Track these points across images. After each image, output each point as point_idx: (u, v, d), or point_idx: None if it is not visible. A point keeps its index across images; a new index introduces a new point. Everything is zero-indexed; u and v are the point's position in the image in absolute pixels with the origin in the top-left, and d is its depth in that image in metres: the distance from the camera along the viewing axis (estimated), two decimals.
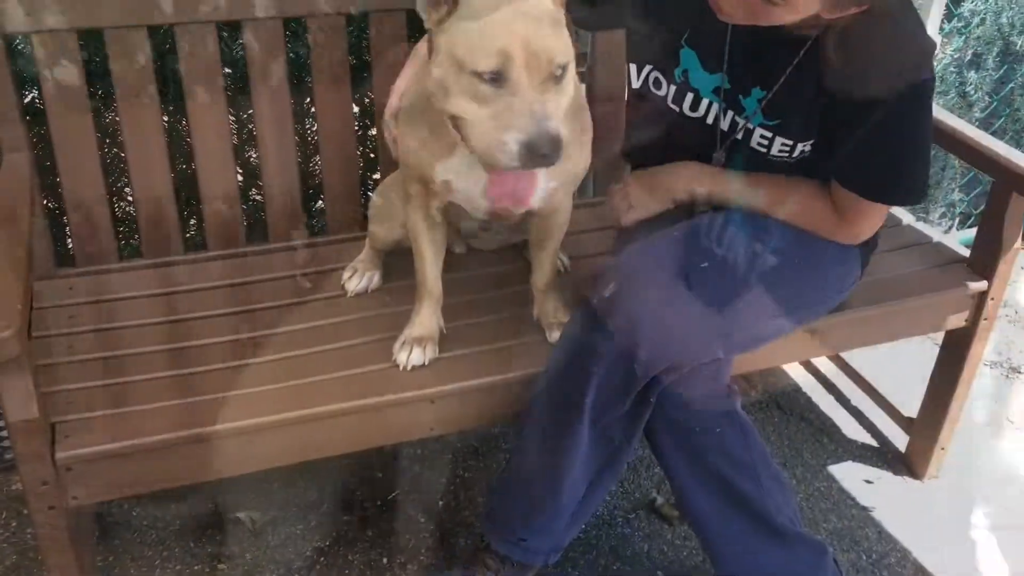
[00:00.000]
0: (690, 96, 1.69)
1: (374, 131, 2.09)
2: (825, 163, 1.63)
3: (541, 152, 1.27)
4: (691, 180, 1.72)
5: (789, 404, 2.45)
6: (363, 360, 1.67)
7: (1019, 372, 2.59)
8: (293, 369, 1.63)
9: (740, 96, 1.64)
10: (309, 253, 1.98)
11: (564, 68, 1.34)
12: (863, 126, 1.55)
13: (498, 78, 1.29)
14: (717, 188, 1.70)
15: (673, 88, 1.70)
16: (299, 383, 1.60)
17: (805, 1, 1.38)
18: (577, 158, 1.59)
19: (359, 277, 1.86)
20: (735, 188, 1.67)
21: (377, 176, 2.19)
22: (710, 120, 1.69)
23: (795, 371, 2.57)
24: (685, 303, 1.53)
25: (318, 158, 2.07)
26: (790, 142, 1.64)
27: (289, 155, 1.96)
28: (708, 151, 1.72)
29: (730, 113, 1.67)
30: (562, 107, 1.36)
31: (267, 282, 1.88)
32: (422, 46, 1.55)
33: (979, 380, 2.51)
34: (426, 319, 1.70)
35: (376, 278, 1.87)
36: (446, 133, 1.45)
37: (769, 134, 1.64)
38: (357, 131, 2.19)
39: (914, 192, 1.65)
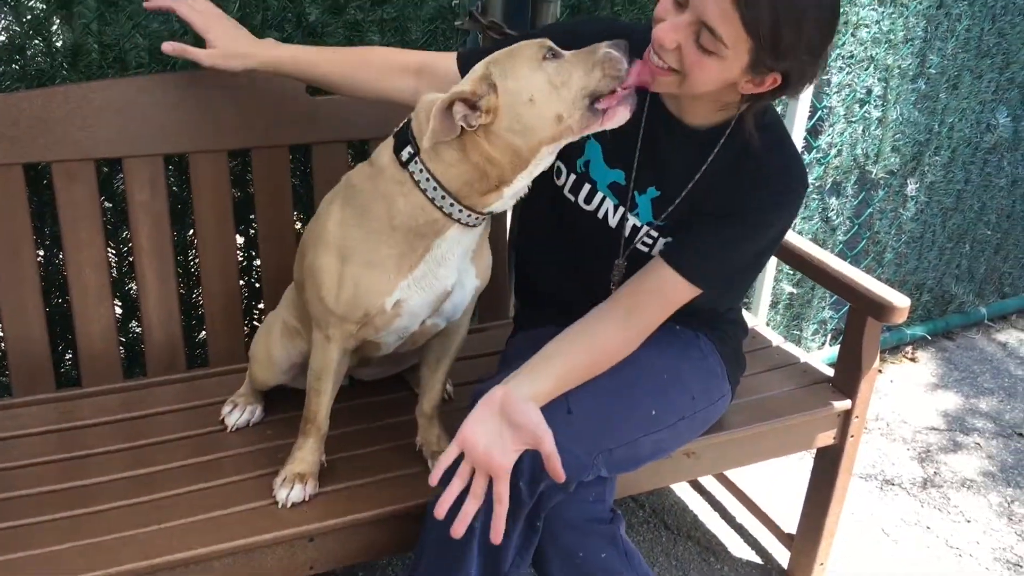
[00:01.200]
0: (587, 187, 1.74)
1: (258, 262, 2.10)
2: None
3: (622, 47, 1.45)
4: (520, 414, 1.52)
5: (676, 523, 2.48)
6: (239, 498, 1.64)
7: (892, 484, 2.69)
8: (164, 510, 1.59)
9: (636, 193, 1.70)
10: (189, 386, 1.96)
11: None
12: (727, 219, 1.61)
13: (552, 54, 1.46)
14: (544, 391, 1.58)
15: (573, 177, 1.76)
16: (168, 526, 1.56)
17: (734, 55, 1.44)
18: (488, 267, 1.67)
19: (239, 411, 1.84)
20: (557, 384, 1.59)
21: (261, 306, 2.19)
22: (601, 214, 1.74)
23: (682, 489, 2.61)
24: (566, 421, 1.56)
25: (200, 289, 2.06)
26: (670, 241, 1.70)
27: (169, 287, 1.95)
28: (604, 250, 1.76)
29: (621, 209, 1.72)
30: None
31: (143, 418, 1.85)
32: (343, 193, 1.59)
33: (854, 494, 2.61)
34: (309, 454, 1.68)
35: (258, 412, 1.86)
36: (407, 252, 1.52)
37: (655, 234, 1.71)
38: (241, 262, 2.20)
39: (731, 293, 1.72)
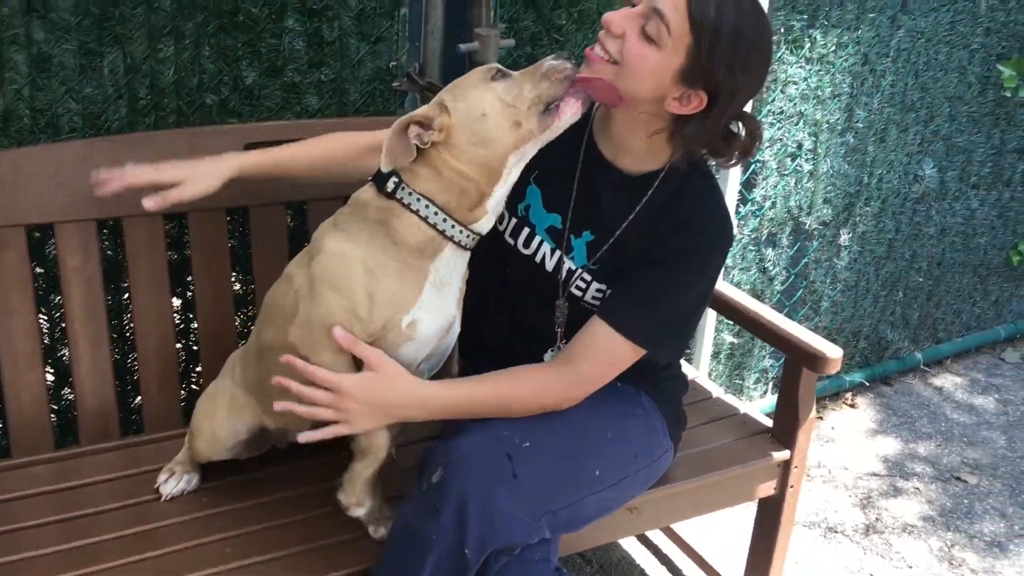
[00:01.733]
0: (526, 231, 1.77)
1: (196, 324, 2.07)
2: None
3: (564, 56, 1.56)
4: (411, 408, 1.62)
5: None
6: (176, 569, 1.60)
7: (835, 532, 2.72)
8: None
9: (572, 236, 1.74)
10: (124, 454, 1.92)
11: None
12: (654, 269, 1.66)
13: (500, 74, 1.56)
14: (415, 410, 1.64)
15: (513, 221, 1.78)
16: None
17: (673, 49, 1.52)
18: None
19: (176, 480, 1.80)
20: (436, 403, 1.64)
21: (199, 369, 2.16)
22: (538, 258, 1.77)
23: (628, 543, 2.61)
24: (512, 485, 1.56)
25: (135, 353, 2.03)
26: (604, 287, 1.73)
27: (103, 352, 1.92)
28: (543, 294, 1.78)
29: (558, 253, 1.75)
30: None
31: (76, 489, 1.80)
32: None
33: (799, 542, 2.63)
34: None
35: (194, 480, 1.82)
36: (413, 274, 1.57)
37: (588, 277, 1.74)
38: (178, 325, 2.17)
39: (673, 342, 1.75)
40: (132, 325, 1.99)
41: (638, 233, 1.71)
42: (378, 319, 1.56)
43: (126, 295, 2.05)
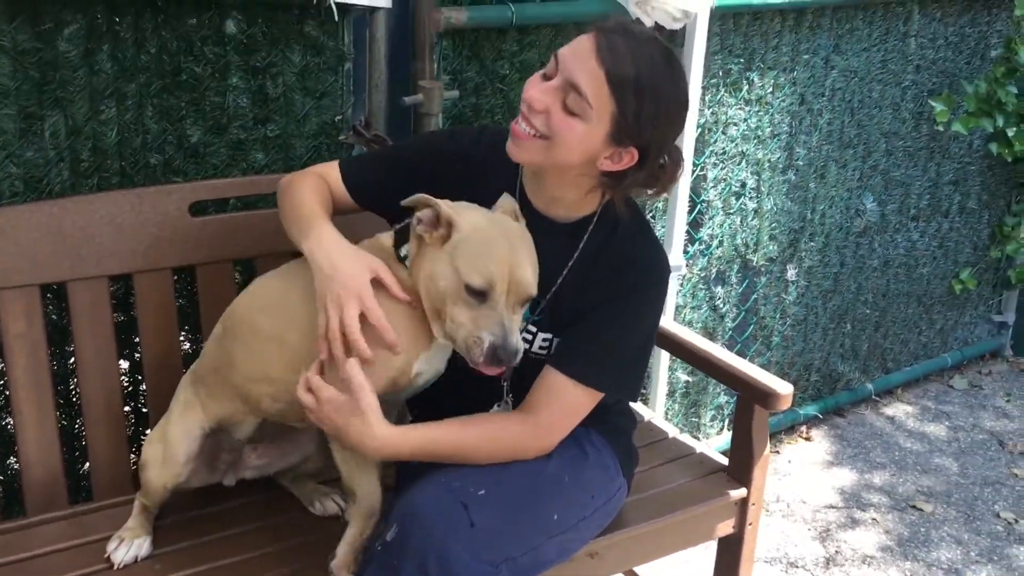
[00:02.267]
0: None
1: (144, 387, 2.04)
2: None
3: (500, 358, 1.52)
4: (375, 442, 1.60)
5: None
6: None
7: (796, 567, 2.73)
8: None
9: None
10: (73, 523, 1.87)
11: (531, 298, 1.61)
12: (597, 312, 1.69)
13: (484, 295, 1.54)
14: (404, 448, 1.63)
15: None
16: None
17: (598, 118, 1.55)
18: None
19: (126, 546, 1.76)
20: (421, 445, 1.64)
21: (148, 432, 2.12)
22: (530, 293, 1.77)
23: None
24: (469, 535, 1.55)
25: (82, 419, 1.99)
26: (550, 337, 1.75)
27: (48, 419, 1.88)
28: None
29: None
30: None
31: (23, 562, 1.75)
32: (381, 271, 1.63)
33: None
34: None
35: (145, 545, 1.78)
36: (423, 328, 1.62)
37: (534, 329, 1.75)
38: (127, 387, 2.14)
39: (626, 381, 1.75)
40: (78, 390, 1.96)
41: (578, 279, 1.73)
42: (395, 364, 1.62)
43: (72, 359, 2.01)
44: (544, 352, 1.76)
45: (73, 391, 2.06)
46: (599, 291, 1.70)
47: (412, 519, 1.56)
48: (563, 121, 1.57)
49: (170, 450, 1.76)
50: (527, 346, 1.76)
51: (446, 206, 1.57)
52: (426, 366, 1.67)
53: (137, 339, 2.05)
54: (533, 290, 1.59)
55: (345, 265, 1.59)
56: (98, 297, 1.90)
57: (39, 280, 1.83)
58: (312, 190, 1.77)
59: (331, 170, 1.83)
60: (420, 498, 1.59)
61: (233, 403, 1.77)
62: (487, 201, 1.69)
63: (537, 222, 1.72)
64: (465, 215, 1.59)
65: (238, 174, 2.13)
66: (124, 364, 2.12)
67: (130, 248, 1.91)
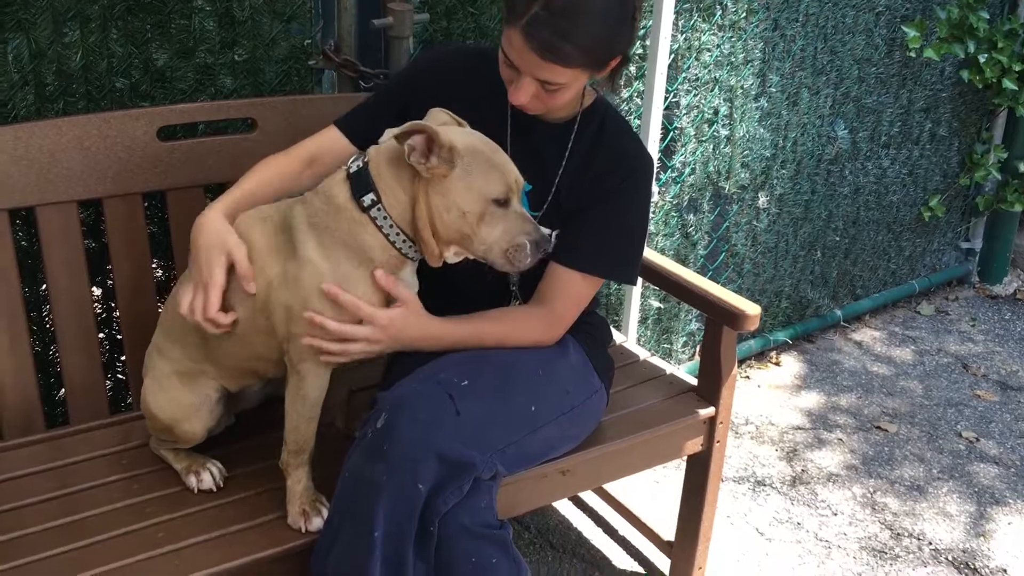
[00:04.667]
0: None
1: (117, 313, 2.05)
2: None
3: (544, 248, 1.64)
4: (426, 341, 1.75)
5: (561, 542, 2.52)
6: (107, 558, 1.59)
7: (764, 485, 2.80)
8: None
9: None
10: (50, 447, 1.89)
11: None
12: (593, 207, 1.82)
13: (507, 202, 1.61)
14: (430, 343, 1.76)
15: None
16: None
17: (575, 79, 1.68)
18: None
19: (205, 473, 1.78)
20: (448, 338, 1.76)
21: (124, 358, 2.14)
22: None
23: (566, 508, 2.66)
24: (455, 420, 1.62)
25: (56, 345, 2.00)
26: (551, 232, 1.78)
27: (22, 346, 1.88)
28: None
29: None
30: None
31: (1, 483, 1.77)
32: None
33: (729, 498, 2.71)
34: (307, 480, 1.72)
35: (215, 468, 1.80)
36: (390, 261, 1.64)
37: None
38: (100, 314, 2.14)
39: (625, 267, 1.88)
40: (51, 317, 1.96)
41: (572, 176, 1.84)
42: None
43: (44, 286, 2.01)
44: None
45: (47, 318, 2.06)
46: (593, 187, 1.82)
47: (399, 407, 1.61)
48: (551, 97, 1.71)
49: (196, 406, 1.77)
50: None
51: (443, 132, 1.57)
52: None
53: (110, 266, 2.05)
54: (523, 180, 1.68)
55: (203, 249, 1.66)
56: (68, 223, 1.89)
57: (6, 205, 1.82)
58: (259, 173, 1.79)
59: (325, 140, 1.85)
60: (407, 388, 1.66)
61: (243, 376, 1.80)
62: (484, 113, 1.77)
63: (532, 125, 1.82)
64: (453, 135, 1.59)
65: (206, 99, 2.11)
66: (97, 291, 2.13)
67: (98, 173, 1.90)
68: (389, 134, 1.63)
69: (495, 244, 1.61)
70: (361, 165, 1.63)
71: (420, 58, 1.96)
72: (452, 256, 1.67)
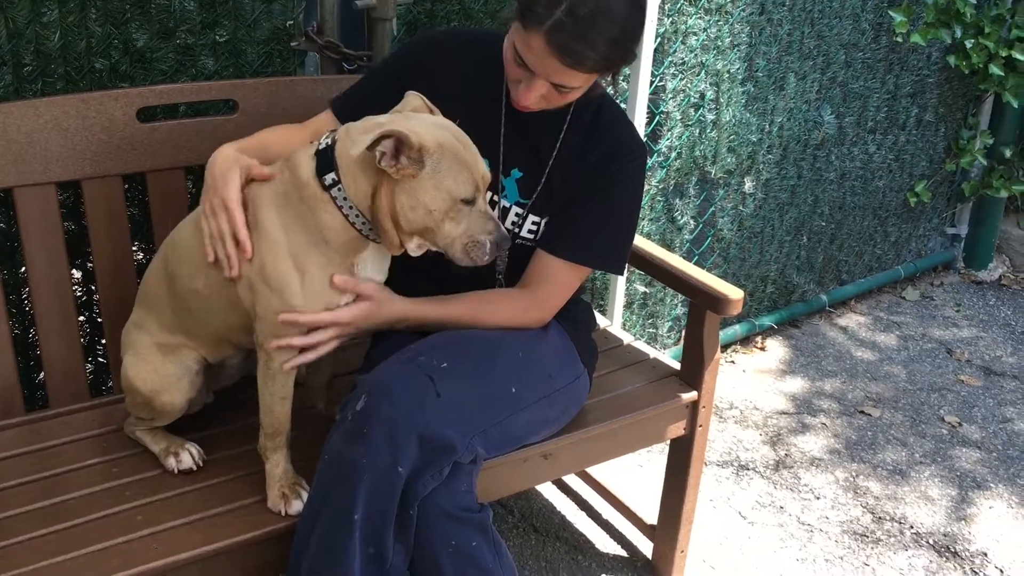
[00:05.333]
0: None
1: (97, 296, 2.03)
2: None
3: (501, 247, 1.62)
4: (396, 322, 1.76)
5: (545, 525, 2.53)
6: (88, 540, 1.59)
7: (747, 469, 2.81)
8: (9, 557, 1.53)
9: (501, 176, 1.84)
10: (29, 430, 1.88)
11: None
12: (584, 196, 1.81)
13: (473, 200, 1.60)
14: (400, 323, 1.77)
15: None
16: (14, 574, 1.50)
17: (586, 82, 1.70)
18: None
19: (184, 454, 1.78)
20: (415, 316, 1.77)
21: (104, 341, 2.12)
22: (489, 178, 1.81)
23: (549, 492, 2.66)
24: (436, 402, 1.61)
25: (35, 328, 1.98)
26: (539, 220, 1.84)
27: (1, 329, 1.87)
28: None
29: (488, 193, 1.80)
30: None
31: None
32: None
33: (712, 482, 2.72)
34: (286, 462, 1.72)
35: (194, 448, 1.79)
36: (347, 258, 1.63)
37: (522, 211, 1.85)
38: (80, 297, 2.13)
39: (613, 258, 1.89)
40: (30, 300, 1.95)
41: (568, 163, 1.83)
42: (313, 308, 1.63)
43: (23, 268, 1.99)
44: (532, 236, 1.86)
45: (26, 300, 2.05)
46: (586, 176, 1.82)
47: (379, 390, 1.61)
48: (563, 98, 1.72)
49: (177, 376, 1.76)
50: (516, 229, 1.87)
51: (411, 133, 1.53)
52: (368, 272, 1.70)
53: (89, 249, 2.04)
54: (489, 176, 1.67)
55: (218, 173, 1.65)
56: (47, 204, 1.88)
57: None
58: (269, 132, 1.81)
59: (323, 122, 1.85)
60: (387, 370, 1.66)
61: (220, 347, 1.79)
62: (476, 100, 1.78)
63: (527, 112, 1.79)
64: (423, 133, 1.55)
65: (187, 80, 2.09)
66: (77, 274, 2.11)
67: (77, 154, 1.88)
68: (362, 140, 1.56)
69: (456, 240, 1.60)
70: (330, 143, 1.61)
71: (412, 40, 1.94)
72: (415, 248, 1.63)
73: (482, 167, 1.62)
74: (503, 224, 1.84)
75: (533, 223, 1.86)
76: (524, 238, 1.87)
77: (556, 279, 1.85)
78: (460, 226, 1.60)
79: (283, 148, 1.76)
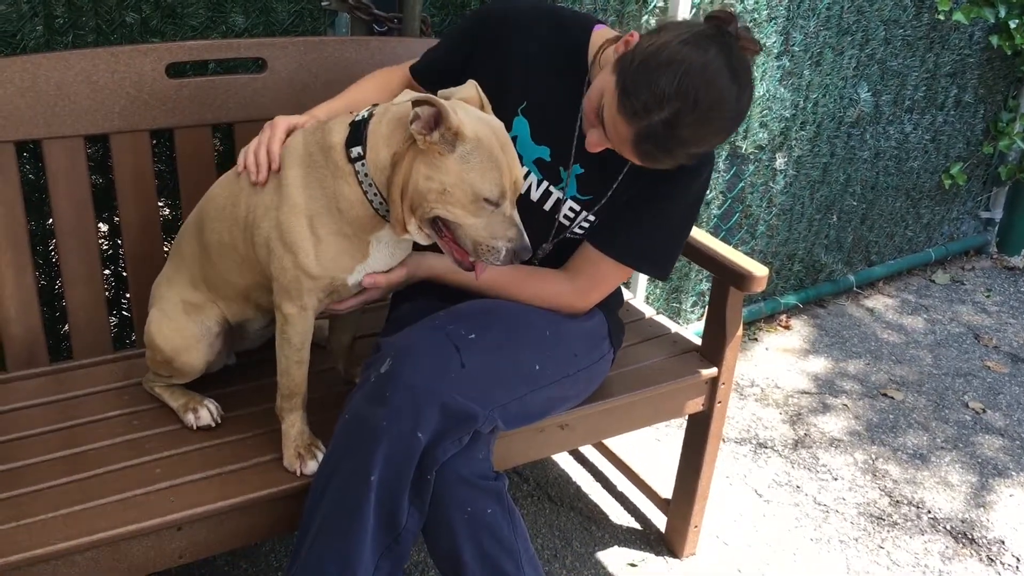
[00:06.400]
0: None
1: (123, 250, 2.05)
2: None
3: (520, 257, 1.56)
4: (433, 273, 1.79)
5: (559, 495, 2.53)
6: (106, 491, 1.61)
7: (765, 447, 2.80)
8: (25, 506, 1.55)
9: (561, 168, 1.81)
10: (54, 380, 1.90)
11: None
12: (641, 197, 1.78)
13: (497, 204, 1.54)
14: (434, 278, 1.79)
15: None
16: (31, 521, 1.52)
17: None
18: None
19: (203, 410, 1.80)
20: (448, 276, 1.78)
21: (129, 295, 2.14)
22: (523, 188, 1.78)
23: (565, 461, 2.67)
24: (459, 372, 1.62)
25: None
26: (592, 219, 1.82)
27: (27, 279, 1.89)
28: (529, 222, 1.76)
29: (545, 183, 1.81)
30: None
31: (4, 415, 1.79)
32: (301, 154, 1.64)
33: (730, 458, 2.71)
34: (302, 424, 1.73)
35: (212, 405, 1.81)
36: (362, 234, 1.62)
37: (577, 207, 1.82)
38: (106, 251, 2.14)
39: (659, 262, 1.86)
40: (57, 251, 1.96)
41: (637, 174, 1.77)
42: (325, 277, 1.63)
43: (50, 220, 2.01)
44: (582, 232, 1.85)
45: (52, 252, 2.07)
46: (649, 183, 1.78)
47: (405, 354, 1.62)
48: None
49: (197, 337, 1.78)
50: (568, 223, 1.84)
51: (453, 113, 1.50)
52: (369, 271, 1.69)
53: (116, 203, 2.05)
54: (523, 184, 1.63)
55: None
56: (75, 157, 1.89)
57: (13, 136, 1.81)
58: (366, 81, 1.88)
59: (404, 67, 1.90)
60: (414, 336, 1.66)
61: (243, 307, 1.80)
62: (546, 84, 1.75)
63: None
64: (465, 120, 1.52)
65: (217, 36, 2.08)
66: (103, 227, 2.13)
67: (106, 108, 1.88)
68: (406, 95, 1.60)
69: (472, 232, 1.55)
70: (366, 116, 1.61)
71: (487, 9, 1.85)
72: (415, 231, 1.59)
73: (516, 172, 1.56)
74: (557, 214, 1.83)
75: (586, 221, 1.84)
76: (575, 233, 1.85)
77: (600, 275, 1.84)
78: (479, 220, 1.54)
79: (383, 96, 1.81)
